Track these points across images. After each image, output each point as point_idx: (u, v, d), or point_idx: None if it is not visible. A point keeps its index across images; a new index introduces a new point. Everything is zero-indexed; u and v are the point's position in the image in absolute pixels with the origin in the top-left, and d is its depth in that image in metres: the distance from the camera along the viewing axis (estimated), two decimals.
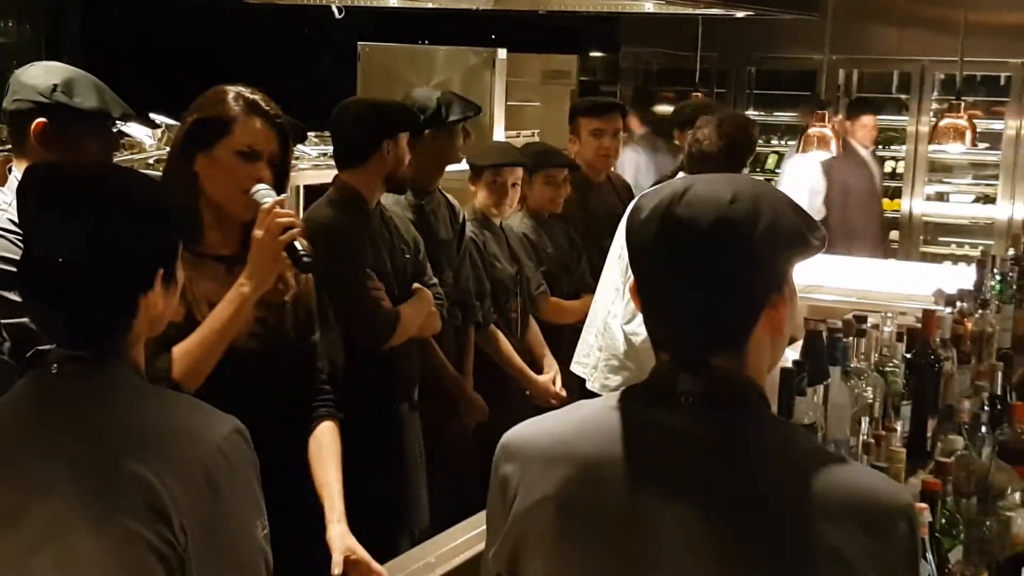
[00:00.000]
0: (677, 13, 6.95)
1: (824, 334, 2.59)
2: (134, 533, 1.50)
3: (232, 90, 2.49)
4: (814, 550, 1.31)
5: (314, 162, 4.62)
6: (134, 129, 4.35)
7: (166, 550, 1.51)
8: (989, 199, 8.56)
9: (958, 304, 3.47)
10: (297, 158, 4.59)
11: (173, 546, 1.52)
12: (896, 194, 8.72)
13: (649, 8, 6.54)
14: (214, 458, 1.57)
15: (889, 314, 3.01)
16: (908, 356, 2.96)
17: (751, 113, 9.20)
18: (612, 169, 5.23)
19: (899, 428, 2.77)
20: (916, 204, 8.57)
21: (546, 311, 4.50)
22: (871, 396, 2.74)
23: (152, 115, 4.52)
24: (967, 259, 7.53)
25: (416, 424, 3.71)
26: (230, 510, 1.59)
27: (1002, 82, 8.53)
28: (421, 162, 3.93)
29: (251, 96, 2.51)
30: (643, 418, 1.43)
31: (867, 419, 2.72)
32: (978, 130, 8.11)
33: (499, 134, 5.96)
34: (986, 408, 2.78)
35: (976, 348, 3.42)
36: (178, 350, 2.34)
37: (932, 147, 7.22)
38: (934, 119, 7.70)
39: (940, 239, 8.75)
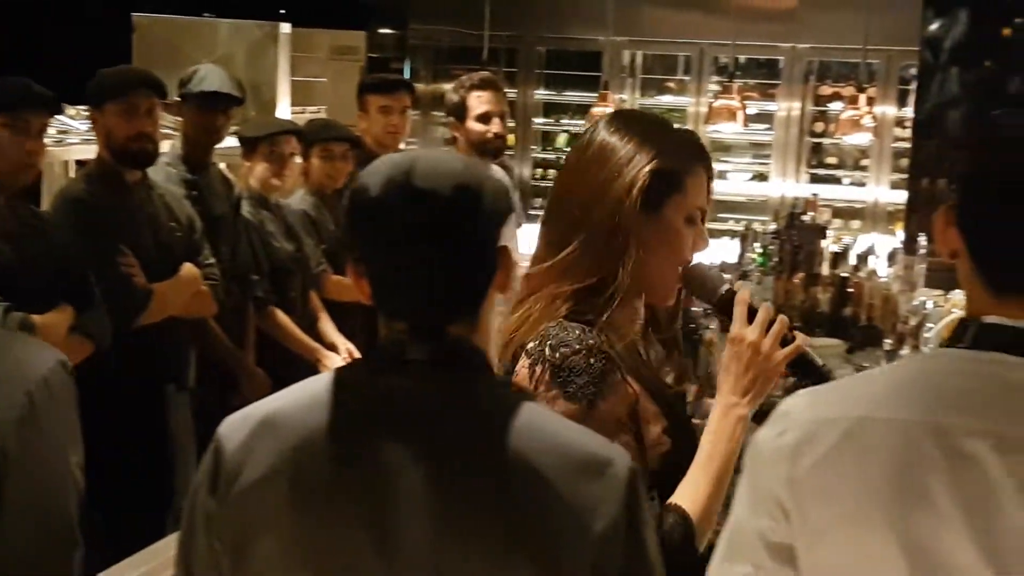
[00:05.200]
0: None
1: None
2: None
3: (670, 121, 1.94)
4: (537, 502, 1.36)
5: (84, 136, 4.47)
6: None
7: None
8: (764, 177, 8.94)
9: None
10: (64, 132, 4.45)
11: None
12: None
13: None
14: (39, 386, 1.69)
15: None
16: None
17: (541, 92, 9.36)
18: (401, 146, 5.23)
19: None
20: None
21: (328, 289, 4.47)
22: None
23: None
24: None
25: (184, 404, 3.65)
26: (47, 434, 1.71)
27: (780, 65, 8.91)
28: (190, 136, 4.02)
29: (694, 137, 1.95)
30: (372, 385, 1.45)
31: None
32: (754, 111, 8.49)
33: (284, 110, 5.90)
34: None
35: None
36: (690, 507, 1.76)
37: (710, 127, 7.49)
38: (712, 100, 7.98)
39: (720, 215, 9.08)
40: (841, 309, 3.93)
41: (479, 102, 4.13)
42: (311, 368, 4.17)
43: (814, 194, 5.46)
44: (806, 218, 4.73)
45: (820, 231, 4.53)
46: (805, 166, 8.82)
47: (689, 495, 1.78)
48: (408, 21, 8.75)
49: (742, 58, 9.13)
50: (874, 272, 4.21)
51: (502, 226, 1.48)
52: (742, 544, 1.37)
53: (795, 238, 4.31)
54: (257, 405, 1.50)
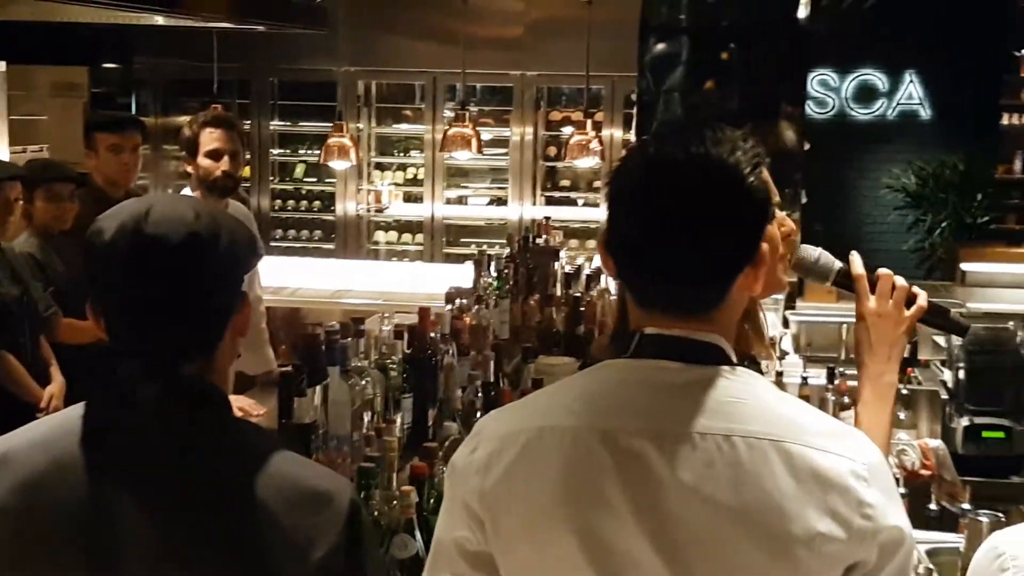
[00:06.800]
0: (189, 26, 6.88)
1: (321, 337, 2.71)
2: None
3: None
4: (257, 535, 1.42)
5: None
6: None
7: None
8: (502, 201, 9.18)
9: (457, 301, 3.72)
10: None
11: None
12: (419, 199, 9.15)
13: (159, 21, 6.44)
14: None
15: (386, 314, 3.19)
16: (407, 352, 3.14)
17: (276, 124, 9.31)
18: (134, 184, 5.10)
19: (399, 420, 2.94)
20: (437, 208, 9.03)
21: (59, 333, 4.32)
22: (371, 392, 2.89)
23: None
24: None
25: None
26: None
27: (517, 93, 9.15)
28: None
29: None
30: (106, 422, 1.47)
31: (370, 414, 2.88)
32: (489, 137, 8.71)
33: (2, 150, 5.66)
34: (479, 395, 3.02)
35: (475, 340, 3.69)
36: None
37: (446, 155, 7.64)
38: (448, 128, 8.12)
39: (462, 240, 9.27)
40: (576, 327, 4.05)
41: (210, 139, 4.10)
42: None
43: (546, 217, 5.64)
44: (540, 241, 4.89)
45: (553, 253, 4.69)
46: (541, 189, 9.11)
47: None
48: (133, 55, 8.54)
49: (478, 86, 9.35)
50: (606, 290, 4.38)
51: (240, 272, 1.53)
52: (443, 554, 1.46)
53: (529, 261, 4.45)
54: None
